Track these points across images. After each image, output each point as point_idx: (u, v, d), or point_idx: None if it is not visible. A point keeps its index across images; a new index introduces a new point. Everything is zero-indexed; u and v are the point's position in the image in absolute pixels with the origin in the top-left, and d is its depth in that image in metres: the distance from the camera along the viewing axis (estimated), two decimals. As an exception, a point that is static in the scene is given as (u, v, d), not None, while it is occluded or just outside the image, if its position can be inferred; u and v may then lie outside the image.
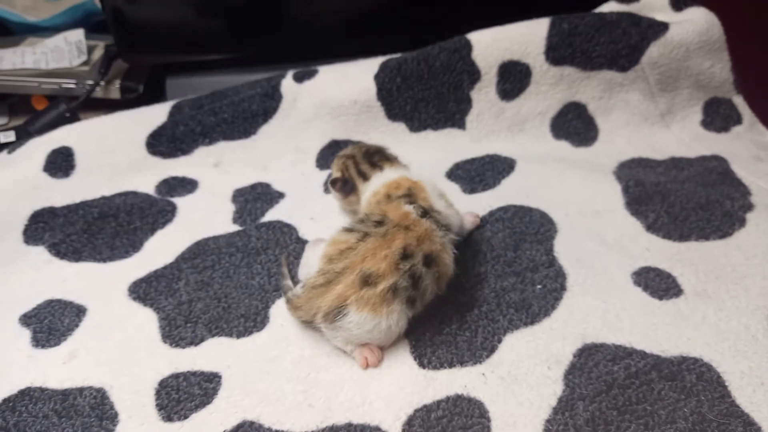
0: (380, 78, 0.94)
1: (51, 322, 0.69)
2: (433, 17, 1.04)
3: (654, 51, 0.93)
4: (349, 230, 0.63)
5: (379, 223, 0.62)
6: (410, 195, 0.68)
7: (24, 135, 1.04)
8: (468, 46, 0.93)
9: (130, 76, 1.13)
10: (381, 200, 0.69)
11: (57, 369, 0.64)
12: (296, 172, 0.92)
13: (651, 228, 0.77)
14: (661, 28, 0.93)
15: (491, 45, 0.92)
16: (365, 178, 0.74)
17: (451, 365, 0.61)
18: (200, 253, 0.77)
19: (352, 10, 1.05)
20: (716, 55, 0.95)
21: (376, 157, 0.76)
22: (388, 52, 0.97)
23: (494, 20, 0.95)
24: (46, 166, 0.88)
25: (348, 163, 0.76)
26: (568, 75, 0.93)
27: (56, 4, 1.37)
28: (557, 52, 0.92)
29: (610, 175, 0.85)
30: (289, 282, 0.69)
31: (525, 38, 0.92)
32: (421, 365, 0.61)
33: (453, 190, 0.86)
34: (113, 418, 0.58)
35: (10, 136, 1.06)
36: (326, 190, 0.83)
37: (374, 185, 0.73)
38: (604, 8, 1.00)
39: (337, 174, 0.77)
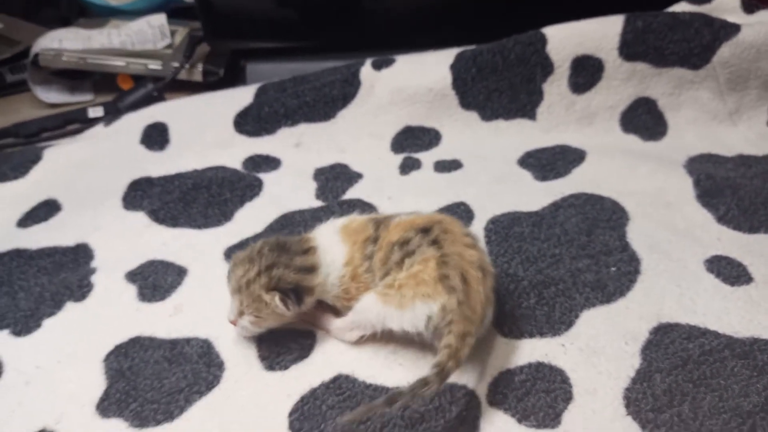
0: (456, 68, 0.98)
1: (155, 280, 0.74)
2: (507, 12, 1.08)
3: (725, 51, 0.95)
4: (402, 259, 0.60)
5: (402, 244, 0.61)
6: (374, 219, 0.67)
7: (113, 111, 1.11)
8: (543, 40, 0.96)
9: (211, 60, 1.19)
10: (360, 249, 0.64)
11: (164, 321, 0.69)
12: (372, 155, 0.97)
13: (722, 219, 0.79)
14: (733, 29, 0.95)
15: (565, 39, 0.96)
16: (311, 270, 0.63)
17: (531, 335, 0.65)
18: (287, 224, 0.82)
19: (427, 2, 1.09)
20: (786, 58, 0.96)
21: (296, 246, 0.64)
22: (462, 44, 1.01)
23: (565, 18, 0.99)
24: (143, 139, 0.94)
25: (277, 274, 0.61)
26: (640, 71, 0.96)
27: (135, -11, 1.44)
28: (631, 48, 0.95)
29: (680, 169, 0.88)
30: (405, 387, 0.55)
31: (599, 34, 0.95)
32: (503, 334, 0.65)
33: (525, 177, 0.90)
34: (220, 365, 0.64)
35: (98, 111, 1.13)
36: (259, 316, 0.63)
37: (337, 257, 0.64)
38: (676, 8, 1.03)
39: (267, 295, 0.60)
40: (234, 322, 0.63)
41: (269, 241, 0.64)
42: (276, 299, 0.60)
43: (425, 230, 0.61)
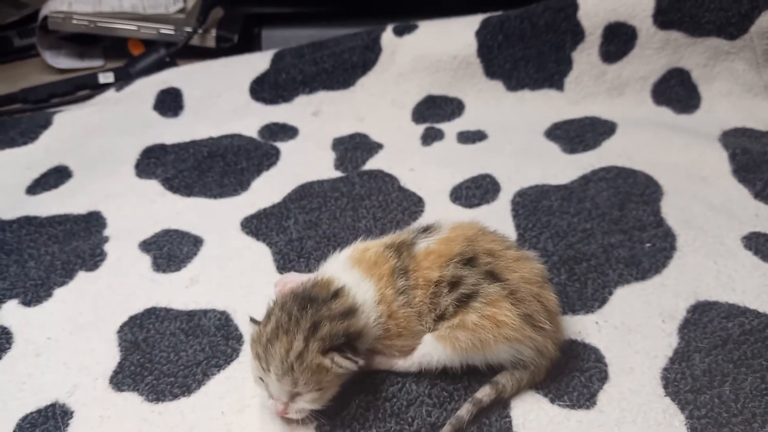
0: (482, 34, 0.94)
1: (170, 250, 0.72)
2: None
3: (764, 21, 0.91)
4: (467, 299, 0.54)
5: (454, 284, 0.54)
6: (391, 246, 0.58)
7: (124, 76, 1.08)
8: (574, 6, 0.92)
9: (224, 25, 1.15)
10: (389, 283, 0.56)
11: (180, 292, 0.67)
12: (392, 124, 0.93)
13: (759, 195, 0.76)
14: (773, -3, 0.91)
15: (598, 5, 0.92)
16: (353, 312, 0.53)
17: (563, 312, 0.62)
18: (306, 195, 0.79)
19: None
20: (827, 29, 0.92)
21: (320, 292, 0.54)
22: (489, 10, 0.97)
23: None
24: (156, 104, 0.91)
25: (326, 331, 0.51)
26: (675, 40, 0.92)
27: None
28: (666, 16, 0.91)
29: (715, 142, 0.84)
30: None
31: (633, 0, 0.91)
32: (533, 311, 0.63)
33: (552, 149, 0.86)
34: (239, 338, 0.61)
35: (109, 77, 1.09)
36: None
37: (368, 295, 0.55)
38: (714, -26, 0.98)
39: (327, 359, 0.51)
40: (284, 413, 0.52)
41: (289, 301, 0.53)
42: (338, 359, 0.51)
43: (470, 261, 0.55)
